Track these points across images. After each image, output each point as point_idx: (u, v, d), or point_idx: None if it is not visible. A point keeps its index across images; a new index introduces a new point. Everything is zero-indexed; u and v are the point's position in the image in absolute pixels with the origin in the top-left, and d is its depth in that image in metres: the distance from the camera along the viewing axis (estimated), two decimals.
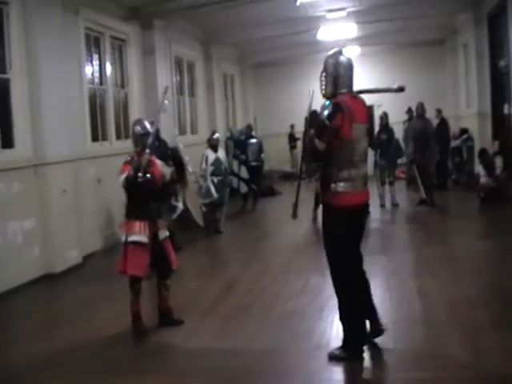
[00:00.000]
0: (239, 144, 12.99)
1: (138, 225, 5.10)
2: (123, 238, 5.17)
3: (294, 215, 4.76)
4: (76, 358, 4.77)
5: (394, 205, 11.38)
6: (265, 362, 4.38)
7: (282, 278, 6.82)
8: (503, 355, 4.15)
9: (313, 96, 4.70)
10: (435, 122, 13.12)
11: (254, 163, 12.77)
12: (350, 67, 4.45)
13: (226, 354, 4.57)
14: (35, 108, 7.62)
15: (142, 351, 4.78)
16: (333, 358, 4.32)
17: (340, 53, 4.54)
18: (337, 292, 4.46)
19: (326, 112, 4.22)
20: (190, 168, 6.02)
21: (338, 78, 4.40)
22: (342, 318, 4.44)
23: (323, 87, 4.45)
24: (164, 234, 5.30)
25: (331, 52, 4.59)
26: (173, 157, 5.86)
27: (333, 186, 4.31)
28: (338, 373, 4.18)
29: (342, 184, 4.28)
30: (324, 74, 4.45)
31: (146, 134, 5.33)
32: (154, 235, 5.18)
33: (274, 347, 4.68)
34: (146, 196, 5.16)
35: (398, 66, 18.45)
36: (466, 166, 14.10)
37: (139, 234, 5.08)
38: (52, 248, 7.68)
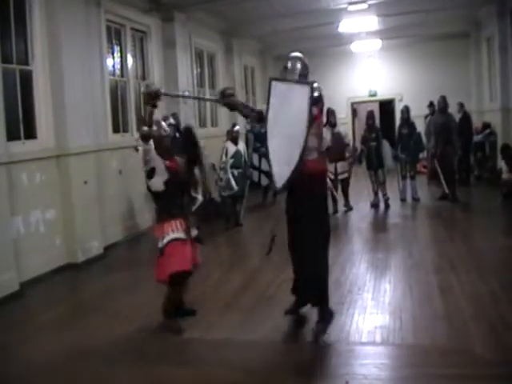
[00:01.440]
0: (260, 137, 12.93)
1: (172, 224, 4.88)
2: (160, 244, 4.88)
3: (269, 251, 5.00)
4: (101, 347, 4.80)
5: (415, 199, 11.28)
6: (285, 354, 4.38)
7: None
8: None
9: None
10: (457, 116, 12.96)
11: None
12: None
13: (247, 346, 4.58)
14: (57, 99, 7.66)
15: (164, 341, 4.80)
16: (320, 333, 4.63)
17: None
18: (318, 249, 4.78)
19: None
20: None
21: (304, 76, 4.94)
22: (319, 278, 4.78)
23: None
24: (194, 232, 5.15)
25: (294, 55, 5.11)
26: (186, 135, 5.41)
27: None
28: (358, 367, 4.15)
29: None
30: None
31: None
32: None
33: (294, 339, 4.67)
34: (176, 192, 4.96)
35: (420, 59, 18.28)
36: (488, 161, 13.92)
37: (176, 231, 4.87)
38: (74, 238, 7.74)
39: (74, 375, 4.31)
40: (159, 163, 4.83)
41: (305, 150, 4.45)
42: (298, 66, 4.90)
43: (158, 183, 4.84)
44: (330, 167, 10.14)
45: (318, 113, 4.77)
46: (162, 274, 4.89)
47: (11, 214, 6.67)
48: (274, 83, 4.69)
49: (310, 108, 4.45)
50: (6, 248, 6.44)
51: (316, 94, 4.59)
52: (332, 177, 10.32)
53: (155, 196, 4.98)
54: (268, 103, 4.70)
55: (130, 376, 4.22)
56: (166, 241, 4.83)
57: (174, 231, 4.85)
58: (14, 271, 6.51)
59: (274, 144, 4.61)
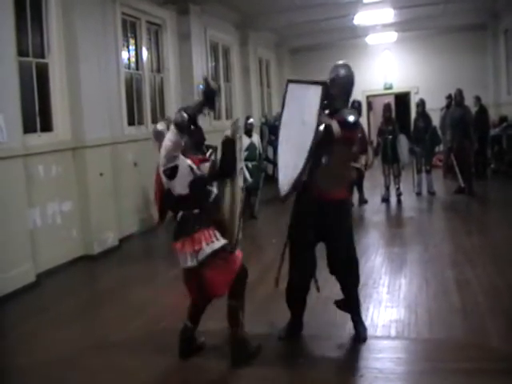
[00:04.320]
0: (274, 129, 12.95)
1: (210, 232, 4.05)
2: (193, 262, 4.01)
3: (277, 283, 4.68)
4: (116, 338, 4.84)
5: (431, 193, 11.20)
6: (300, 348, 4.38)
7: (318, 263, 6.75)
8: None
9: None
10: (474, 109, 12.83)
11: None
12: None
13: (261, 339, 4.56)
14: (73, 92, 7.70)
15: (178, 332, 4.81)
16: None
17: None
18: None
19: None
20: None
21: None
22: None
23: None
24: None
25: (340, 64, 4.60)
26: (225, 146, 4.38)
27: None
28: (373, 361, 4.14)
29: None
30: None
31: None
32: None
33: (309, 334, 4.66)
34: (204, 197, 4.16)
35: (436, 52, 18.13)
36: (505, 155, 13.79)
37: (217, 239, 4.05)
38: (89, 230, 7.80)
39: (90, 365, 4.34)
40: (183, 161, 4.00)
41: (309, 157, 4.05)
42: (341, 74, 4.46)
43: (180, 185, 3.99)
44: (361, 159, 10.16)
45: (351, 137, 4.38)
46: (220, 288, 4.11)
47: (28, 206, 6.72)
48: (290, 86, 4.47)
49: (319, 110, 4.03)
50: (23, 239, 6.50)
51: (352, 118, 4.29)
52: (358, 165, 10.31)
53: (177, 201, 4.08)
54: (283, 107, 4.48)
55: (145, 367, 4.24)
56: (209, 251, 3.98)
57: (217, 239, 4.05)
58: (30, 262, 6.57)
59: (282, 150, 4.37)
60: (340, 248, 4.52)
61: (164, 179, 4.02)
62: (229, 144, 4.29)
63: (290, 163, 4.19)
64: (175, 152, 3.89)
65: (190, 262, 4.00)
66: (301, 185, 4.25)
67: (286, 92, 4.49)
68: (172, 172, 3.93)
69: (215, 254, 3.99)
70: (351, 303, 4.65)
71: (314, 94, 4.10)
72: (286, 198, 4.30)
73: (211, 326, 4.65)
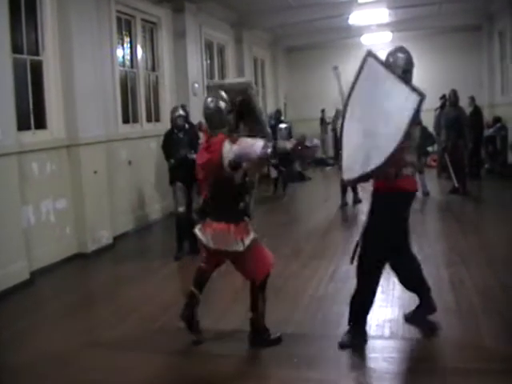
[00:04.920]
0: (271, 128, 12.96)
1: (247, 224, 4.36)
2: (241, 246, 4.22)
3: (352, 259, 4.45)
4: (111, 336, 4.83)
5: (425, 193, 11.19)
6: (294, 347, 4.37)
7: (312, 262, 6.80)
8: None
9: (339, 75, 4.54)
10: (468, 110, 12.87)
11: None
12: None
13: None
14: (68, 90, 7.67)
15: (174, 331, 4.80)
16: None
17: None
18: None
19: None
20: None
21: (408, 72, 4.35)
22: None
23: None
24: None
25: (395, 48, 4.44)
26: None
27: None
28: (366, 360, 4.15)
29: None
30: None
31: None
32: None
33: (304, 332, 4.67)
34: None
35: (431, 52, 18.11)
36: (499, 155, 13.84)
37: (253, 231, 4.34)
38: (84, 228, 7.77)
39: (84, 364, 4.33)
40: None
41: (389, 160, 3.85)
42: (400, 59, 4.33)
43: (238, 176, 4.24)
44: None
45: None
46: (261, 273, 4.33)
47: (22, 204, 6.69)
48: (370, 60, 4.16)
49: (411, 120, 3.80)
50: (16, 237, 6.47)
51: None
52: None
53: (230, 191, 4.29)
54: (356, 80, 4.21)
55: (139, 366, 4.23)
56: (249, 241, 4.23)
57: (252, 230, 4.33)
58: (24, 260, 6.54)
59: (351, 128, 4.18)
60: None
61: (227, 169, 4.15)
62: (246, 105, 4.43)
63: (358, 151, 4.05)
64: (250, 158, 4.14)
65: (236, 247, 4.20)
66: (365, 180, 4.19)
67: (362, 65, 4.19)
68: (236, 165, 4.16)
69: (253, 242, 4.25)
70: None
71: (406, 99, 3.86)
72: (349, 184, 4.28)
73: (207, 325, 4.65)
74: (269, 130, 4.49)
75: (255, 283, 4.34)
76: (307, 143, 4.21)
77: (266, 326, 4.40)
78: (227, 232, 4.20)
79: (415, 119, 3.88)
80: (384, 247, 4.34)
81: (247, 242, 4.20)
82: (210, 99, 4.34)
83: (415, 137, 4.26)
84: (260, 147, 4.00)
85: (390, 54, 4.39)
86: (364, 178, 4.12)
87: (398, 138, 3.79)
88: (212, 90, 4.50)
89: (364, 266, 4.37)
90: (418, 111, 3.84)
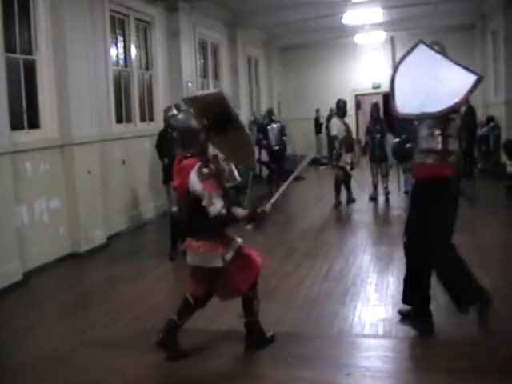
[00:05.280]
0: (261, 128, 12.99)
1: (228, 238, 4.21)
2: (219, 263, 4.09)
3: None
4: (105, 336, 4.82)
5: (405, 192, 11.09)
6: (288, 346, 4.38)
7: (307, 262, 6.81)
8: None
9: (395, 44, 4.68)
10: (462, 109, 12.88)
11: (275, 147, 12.75)
12: None
13: None
14: (61, 89, 7.65)
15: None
16: None
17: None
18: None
19: None
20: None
21: None
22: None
23: None
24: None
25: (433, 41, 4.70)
26: None
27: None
28: (361, 359, 4.16)
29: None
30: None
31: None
32: None
33: (297, 331, 4.68)
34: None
35: None
36: (492, 154, 13.88)
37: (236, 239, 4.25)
38: (77, 228, 7.75)
39: (78, 364, 4.32)
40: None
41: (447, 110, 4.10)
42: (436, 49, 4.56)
43: (218, 207, 3.98)
44: (346, 157, 10.26)
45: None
46: (245, 284, 4.20)
47: (16, 203, 6.67)
48: (421, 46, 4.52)
49: (470, 91, 4.06)
50: (10, 237, 6.45)
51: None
52: (348, 167, 10.39)
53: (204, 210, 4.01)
54: (403, 58, 4.55)
55: (132, 365, 4.23)
56: (229, 257, 4.11)
57: (235, 241, 4.22)
58: (17, 260, 6.52)
59: (403, 96, 4.46)
60: None
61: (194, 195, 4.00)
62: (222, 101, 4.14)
63: (417, 92, 4.26)
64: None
65: (218, 263, 4.07)
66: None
67: (412, 48, 4.56)
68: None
69: (237, 252, 4.15)
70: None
71: (464, 78, 4.11)
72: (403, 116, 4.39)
73: (200, 325, 4.66)
74: (254, 137, 4.43)
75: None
76: (258, 211, 4.19)
77: (260, 326, 4.39)
78: (204, 249, 4.07)
79: (472, 92, 4.05)
80: (448, 231, 4.60)
81: (228, 257, 4.09)
82: (181, 116, 4.26)
83: (457, 124, 4.43)
84: (216, 208, 3.92)
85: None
86: (420, 117, 4.23)
87: (451, 102, 4.04)
88: (187, 103, 4.33)
89: (441, 256, 4.51)
90: (472, 91, 4.03)
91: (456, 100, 4.04)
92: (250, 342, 4.35)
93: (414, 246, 4.67)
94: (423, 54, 4.39)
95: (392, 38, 4.70)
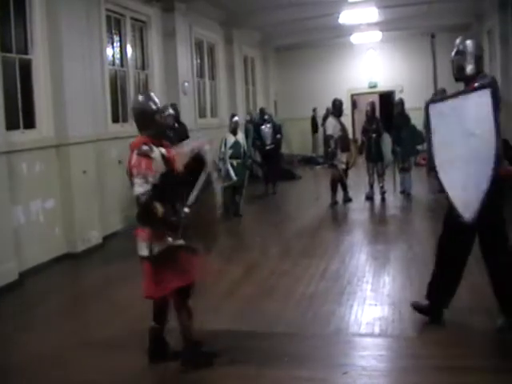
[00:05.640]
0: (259, 128, 13.01)
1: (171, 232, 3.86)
2: (146, 252, 3.88)
3: None
4: (101, 336, 4.82)
5: (406, 193, 11.09)
6: (285, 345, 4.38)
7: (303, 261, 6.81)
8: None
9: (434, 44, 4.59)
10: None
11: (268, 146, 12.75)
12: None
13: (247, 336, 4.58)
14: (57, 89, 7.64)
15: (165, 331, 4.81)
16: None
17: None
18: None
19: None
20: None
21: (480, 58, 4.40)
22: None
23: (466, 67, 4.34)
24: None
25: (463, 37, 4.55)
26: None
27: None
28: (357, 358, 4.16)
29: None
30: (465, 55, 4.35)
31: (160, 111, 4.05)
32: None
33: (294, 331, 4.68)
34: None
35: (420, 51, 18.27)
36: None
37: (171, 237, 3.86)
38: (73, 228, 7.73)
39: (74, 364, 4.31)
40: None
41: (497, 164, 3.88)
42: (470, 46, 4.37)
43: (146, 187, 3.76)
44: (342, 157, 10.25)
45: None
46: (159, 290, 3.96)
47: (11, 204, 6.65)
48: (431, 106, 4.34)
49: (495, 113, 3.91)
50: (6, 237, 6.43)
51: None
52: (344, 166, 10.39)
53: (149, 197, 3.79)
54: (429, 128, 4.31)
55: (130, 366, 4.22)
56: (159, 249, 3.84)
57: (172, 238, 3.86)
58: (13, 260, 6.50)
59: (450, 171, 4.14)
60: None
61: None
62: (197, 165, 3.95)
63: (468, 183, 4.01)
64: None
65: (143, 252, 3.88)
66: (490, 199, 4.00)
67: (428, 115, 4.32)
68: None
69: (170, 251, 3.85)
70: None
71: (480, 100, 3.97)
72: (473, 221, 4.04)
73: (196, 324, 4.64)
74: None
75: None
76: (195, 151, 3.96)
77: (194, 340, 4.11)
78: (140, 236, 3.91)
79: (497, 107, 3.93)
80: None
81: (156, 249, 3.82)
82: (139, 97, 4.09)
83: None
84: (138, 189, 3.71)
85: (460, 43, 4.45)
86: (488, 196, 3.97)
87: (493, 137, 3.87)
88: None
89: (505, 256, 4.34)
90: (495, 101, 3.92)
91: (494, 145, 3.88)
92: (183, 357, 4.13)
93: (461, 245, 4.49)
94: (446, 118, 4.20)
95: (432, 36, 4.53)
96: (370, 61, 19.45)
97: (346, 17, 14.25)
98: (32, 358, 4.44)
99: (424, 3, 14.13)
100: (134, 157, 3.84)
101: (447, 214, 4.52)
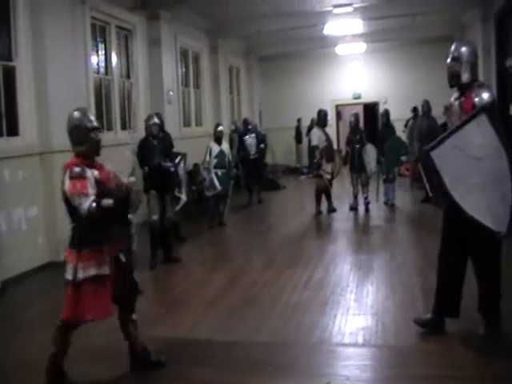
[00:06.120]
0: (240, 138, 13.03)
1: (96, 254, 3.87)
2: (69, 275, 3.83)
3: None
4: (84, 344, 4.76)
5: (390, 203, 11.18)
6: (268, 355, 4.38)
7: (287, 270, 6.81)
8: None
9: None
10: (441, 119, 13.02)
11: (252, 156, 12.74)
12: None
13: (230, 346, 4.57)
14: (41, 96, 7.61)
15: (146, 340, 4.77)
16: None
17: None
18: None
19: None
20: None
21: (475, 66, 4.47)
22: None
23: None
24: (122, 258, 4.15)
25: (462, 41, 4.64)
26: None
27: None
28: (340, 368, 4.16)
29: None
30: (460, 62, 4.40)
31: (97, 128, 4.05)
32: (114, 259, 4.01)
33: (277, 340, 4.68)
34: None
35: (404, 63, 18.46)
36: None
37: (98, 265, 3.85)
38: (56, 236, 7.65)
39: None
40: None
41: None
42: (465, 54, 4.43)
43: (87, 204, 3.77)
44: (327, 167, 10.29)
45: None
46: (75, 317, 3.94)
47: None
48: (433, 154, 4.33)
49: (498, 132, 3.93)
50: None
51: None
52: (329, 177, 10.42)
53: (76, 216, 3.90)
54: (438, 173, 4.33)
55: (107, 374, 4.20)
56: (82, 276, 3.79)
57: (97, 265, 3.84)
58: None
59: (470, 199, 4.14)
60: None
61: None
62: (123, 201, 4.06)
63: (492, 203, 4.02)
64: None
65: (68, 276, 3.85)
66: None
67: (432, 164, 4.33)
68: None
69: (93, 280, 3.82)
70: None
71: (482, 130, 3.99)
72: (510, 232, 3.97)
73: (179, 334, 4.63)
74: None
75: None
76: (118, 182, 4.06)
77: (143, 348, 4.20)
78: (67, 258, 3.92)
79: (498, 128, 3.95)
80: None
81: (80, 275, 3.78)
82: (75, 113, 4.02)
83: None
84: (84, 206, 3.73)
85: (455, 50, 4.49)
86: None
87: (504, 154, 3.88)
88: None
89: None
90: (494, 122, 3.95)
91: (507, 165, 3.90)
92: (133, 362, 4.20)
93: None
94: (449, 158, 4.23)
95: (426, 154, 4.55)
96: (355, 72, 19.59)
97: (330, 28, 14.36)
98: (13, 366, 4.40)
99: (408, 15, 14.28)
100: (67, 181, 3.80)
101: (443, 227, 4.67)
